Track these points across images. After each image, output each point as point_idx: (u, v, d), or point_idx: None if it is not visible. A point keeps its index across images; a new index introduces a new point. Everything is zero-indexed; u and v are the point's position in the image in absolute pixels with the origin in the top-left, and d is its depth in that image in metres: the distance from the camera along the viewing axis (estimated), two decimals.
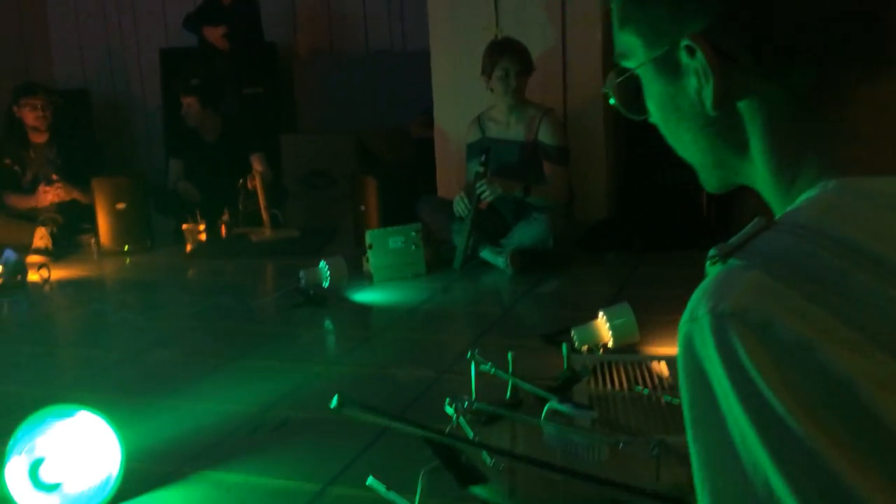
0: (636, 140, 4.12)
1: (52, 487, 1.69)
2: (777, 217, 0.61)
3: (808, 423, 0.49)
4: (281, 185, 5.08)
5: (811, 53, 0.60)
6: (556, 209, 3.58)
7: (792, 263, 0.53)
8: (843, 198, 0.58)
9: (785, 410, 0.49)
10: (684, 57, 0.62)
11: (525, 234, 3.52)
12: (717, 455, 0.53)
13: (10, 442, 1.66)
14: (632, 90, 0.70)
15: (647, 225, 3.82)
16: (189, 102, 4.62)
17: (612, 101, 0.72)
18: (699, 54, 0.61)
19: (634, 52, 0.67)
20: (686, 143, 0.68)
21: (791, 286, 0.52)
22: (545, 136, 3.60)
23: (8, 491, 1.64)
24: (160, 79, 6.63)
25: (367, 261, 3.52)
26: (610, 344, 2.25)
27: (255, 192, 4.46)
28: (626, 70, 0.69)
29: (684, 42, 0.62)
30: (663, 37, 0.64)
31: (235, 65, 5.96)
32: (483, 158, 3.52)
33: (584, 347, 2.27)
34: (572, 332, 2.29)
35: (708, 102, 0.62)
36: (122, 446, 1.72)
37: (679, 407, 1.48)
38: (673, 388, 1.52)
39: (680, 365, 0.56)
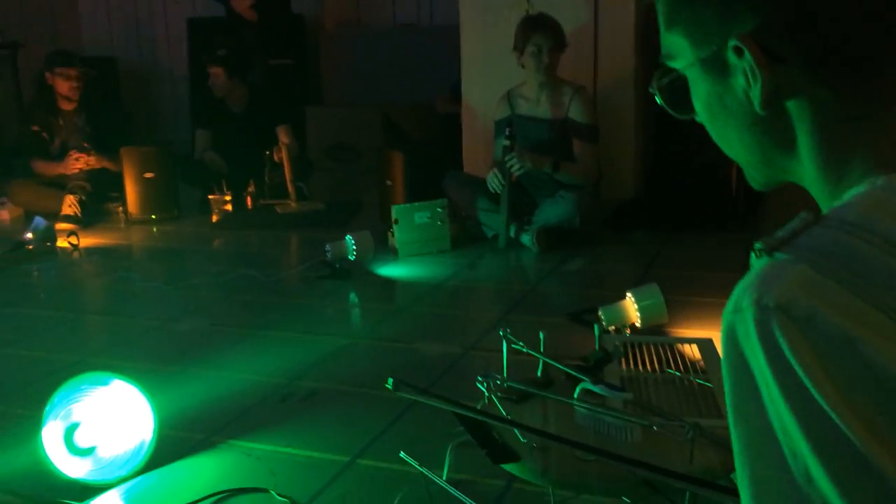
0: (666, 119, 4.06)
1: (87, 452, 1.72)
2: (824, 212, 0.62)
3: (850, 416, 0.49)
4: (306, 157, 5.08)
5: (860, 56, 0.61)
6: (584, 187, 3.56)
7: (839, 259, 0.54)
8: (890, 195, 0.58)
9: (826, 402, 0.50)
10: (732, 57, 0.63)
11: (552, 212, 3.50)
12: (759, 442, 0.54)
13: (47, 407, 1.69)
14: (679, 90, 0.71)
15: (675, 205, 3.79)
16: (216, 73, 4.62)
17: (658, 100, 0.73)
18: (747, 55, 0.61)
19: (681, 53, 0.68)
20: (733, 142, 0.69)
21: (837, 281, 0.53)
22: (576, 113, 3.57)
23: (45, 453, 1.67)
24: (187, 49, 6.64)
25: (393, 235, 3.53)
26: (638, 324, 2.25)
27: (281, 165, 4.47)
28: (672, 70, 0.70)
29: (732, 42, 0.62)
30: (711, 37, 0.64)
31: (262, 36, 5.96)
32: (508, 132, 3.50)
33: (612, 327, 2.27)
34: (600, 312, 2.28)
35: (756, 102, 0.63)
36: (154, 415, 1.75)
37: (711, 391, 1.48)
38: (705, 372, 1.52)
39: (723, 354, 0.57)
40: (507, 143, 3.49)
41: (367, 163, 5.48)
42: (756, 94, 0.62)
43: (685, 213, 3.74)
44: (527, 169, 3.45)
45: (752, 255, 0.59)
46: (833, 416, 0.49)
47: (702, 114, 0.70)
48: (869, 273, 0.53)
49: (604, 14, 4.04)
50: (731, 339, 0.55)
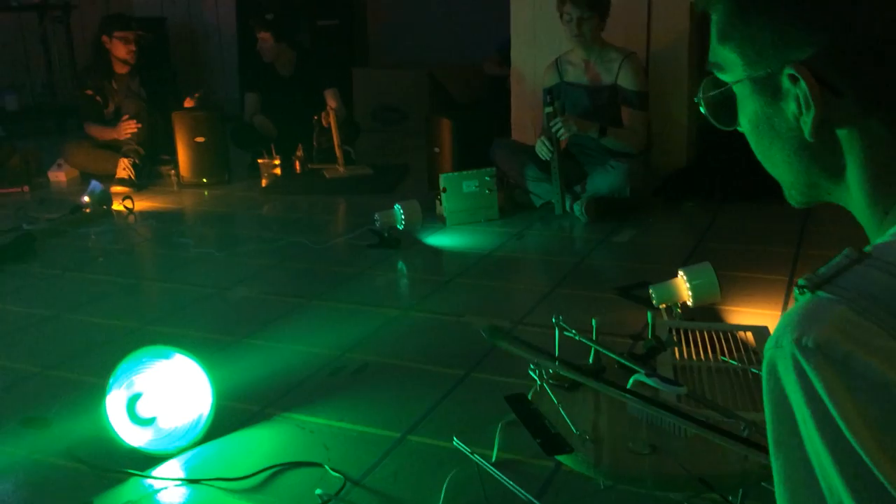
0: None
1: (148, 422, 1.79)
2: (871, 242, 0.63)
3: (882, 458, 0.51)
4: (353, 121, 5.09)
5: None
6: (632, 155, 3.50)
7: (880, 301, 0.55)
8: None
9: (858, 443, 0.51)
10: (786, 82, 0.63)
11: (602, 181, 3.46)
12: (798, 473, 0.56)
13: (112, 377, 1.75)
14: (725, 103, 0.71)
15: (727, 175, 3.71)
16: (264, 37, 4.62)
17: (702, 109, 0.73)
18: (802, 84, 0.62)
19: (732, 68, 0.68)
20: (778, 163, 0.69)
21: (877, 324, 0.54)
22: (625, 80, 3.50)
23: (108, 420, 1.73)
24: (235, 8, 6.65)
25: (441, 203, 3.53)
26: (689, 303, 2.23)
27: (329, 129, 4.48)
28: (721, 83, 0.70)
29: (788, 70, 0.62)
30: (765, 60, 0.64)
31: None
32: (548, 99, 3.47)
33: (663, 305, 2.25)
34: (650, 290, 2.26)
35: (806, 129, 0.63)
36: (213, 389, 1.80)
37: None
38: (760, 362, 1.50)
39: (764, 387, 0.59)
40: (549, 109, 3.45)
41: (414, 124, 5.47)
42: (807, 121, 0.63)
43: (737, 184, 3.66)
44: (572, 133, 3.42)
45: (795, 290, 0.60)
46: (865, 456, 0.51)
47: (747, 130, 0.70)
48: None
49: None
50: (772, 373, 0.57)
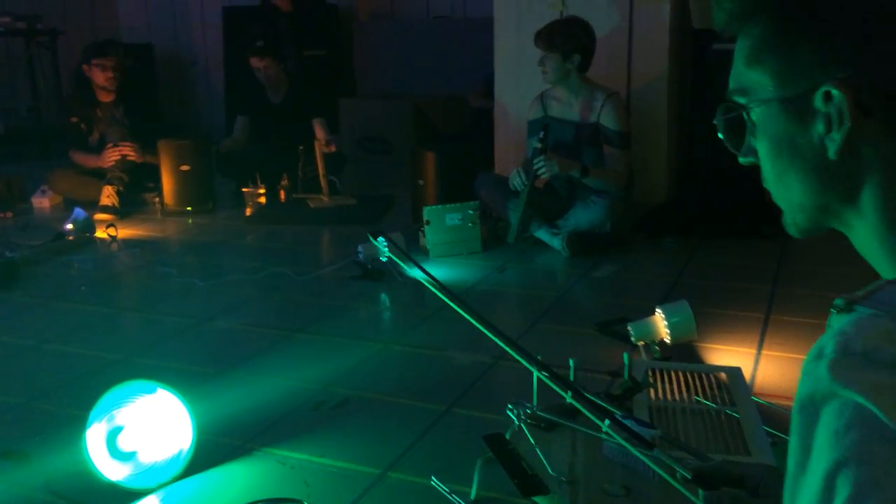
0: (700, 123, 4.05)
1: (128, 456, 1.79)
2: (872, 262, 0.66)
3: None
4: (339, 151, 5.12)
5: None
6: (613, 193, 3.56)
7: None
8: None
9: None
10: (817, 101, 0.63)
11: (583, 216, 3.51)
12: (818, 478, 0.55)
13: (93, 410, 1.75)
14: (737, 128, 0.71)
15: (708, 211, 3.78)
16: (266, 64, 4.66)
17: (720, 134, 0.74)
18: (837, 101, 0.62)
19: (760, 90, 0.67)
20: (792, 185, 0.68)
21: None
22: (607, 119, 3.56)
23: (87, 454, 1.73)
24: (222, 37, 6.70)
25: (424, 236, 3.56)
26: (667, 340, 2.26)
27: (314, 159, 4.51)
28: (740, 106, 0.70)
29: (825, 87, 0.62)
30: (801, 79, 0.64)
31: (296, 26, 6.00)
32: (541, 135, 3.51)
33: (641, 342, 2.28)
34: (628, 327, 2.30)
35: (833, 148, 0.64)
36: (194, 425, 1.81)
37: (739, 423, 1.50)
38: (735, 403, 1.54)
39: (800, 402, 0.58)
40: (538, 145, 3.50)
41: (399, 155, 5.52)
42: (836, 139, 0.63)
43: (717, 219, 3.73)
44: (553, 172, 3.47)
45: (832, 311, 0.62)
46: None
47: (764, 152, 0.70)
48: None
49: (639, 15, 4.01)
50: (809, 379, 0.57)
